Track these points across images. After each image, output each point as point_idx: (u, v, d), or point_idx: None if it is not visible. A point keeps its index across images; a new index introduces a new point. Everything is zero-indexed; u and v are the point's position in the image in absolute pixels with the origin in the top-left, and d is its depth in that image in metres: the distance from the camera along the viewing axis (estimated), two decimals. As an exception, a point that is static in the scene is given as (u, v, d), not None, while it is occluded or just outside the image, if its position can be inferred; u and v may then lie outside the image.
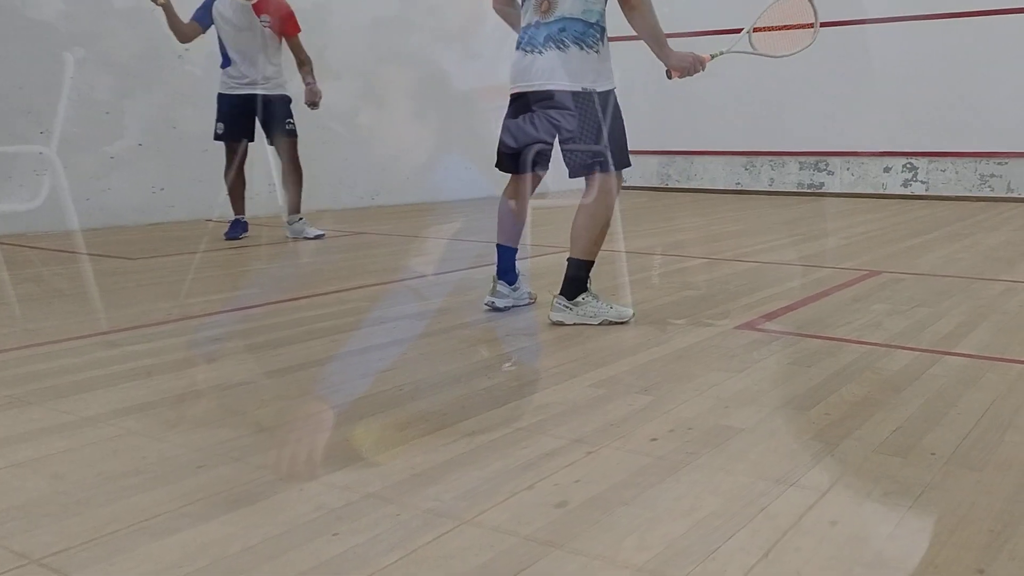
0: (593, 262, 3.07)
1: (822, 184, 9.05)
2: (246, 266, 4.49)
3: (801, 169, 9.16)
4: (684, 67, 3.00)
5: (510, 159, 3.15)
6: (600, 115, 2.94)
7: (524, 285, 3.34)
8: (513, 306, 3.27)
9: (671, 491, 1.65)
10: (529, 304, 3.32)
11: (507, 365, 2.54)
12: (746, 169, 9.47)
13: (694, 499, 1.61)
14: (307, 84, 5.25)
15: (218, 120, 5.31)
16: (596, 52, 2.94)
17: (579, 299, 3.02)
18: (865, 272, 4.15)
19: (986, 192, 8.23)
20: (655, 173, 9.97)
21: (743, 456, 1.82)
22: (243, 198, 5.44)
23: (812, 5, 3.34)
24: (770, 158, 9.30)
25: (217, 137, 5.33)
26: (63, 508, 1.57)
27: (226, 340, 2.85)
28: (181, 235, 5.59)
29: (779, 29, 3.30)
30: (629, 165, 3.05)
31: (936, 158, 8.45)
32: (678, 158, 9.86)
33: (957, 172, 8.38)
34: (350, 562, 1.38)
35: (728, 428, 1.99)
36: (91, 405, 2.16)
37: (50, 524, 1.51)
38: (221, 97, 5.30)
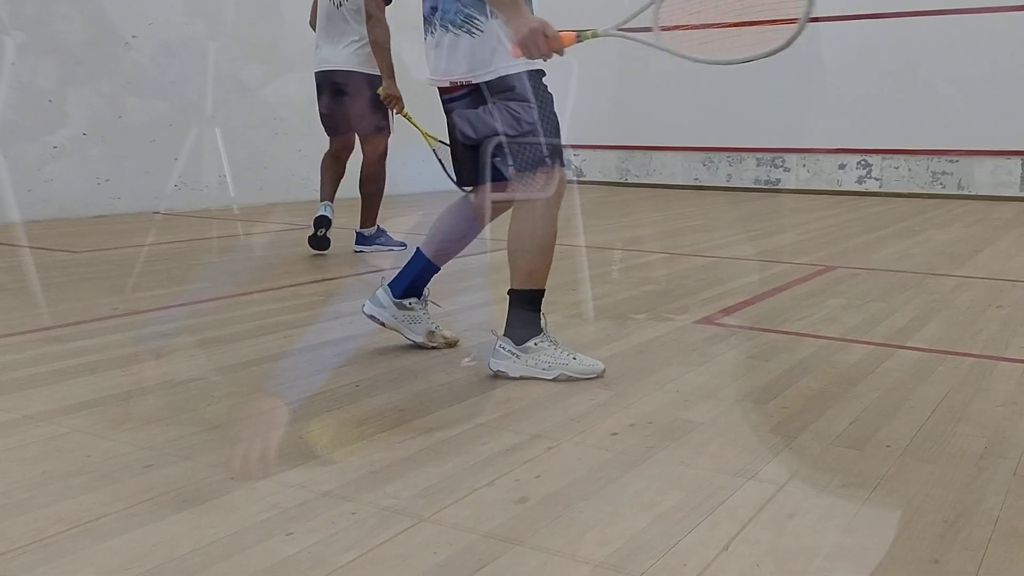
0: (543, 291, 2.35)
1: (779, 180, 9.17)
2: (196, 260, 4.39)
3: (758, 165, 9.27)
4: (521, 35, 2.09)
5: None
6: (506, 104, 2.25)
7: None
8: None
9: (632, 485, 1.64)
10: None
11: (466, 360, 2.52)
12: (704, 165, 9.55)
13: (654, 493, 1.61)
14: None
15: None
16: (481, 32, 2.22)
17: (530, 344, 2.30)
18: (821, 267, 4.20)
19: (938, 189, 8.41)
20: (614, 168, 10.01)
21: (703, 450, 1.82)
22: None
23: None
24: (728, 154, 9.40)
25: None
26: (3, 509, 1.51)
27: (175, 335, 2.78)
28: (127, 228, 5.45)
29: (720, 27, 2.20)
30: (562, 163, 2.32)
31: (890, 155, 8.61)
32: (637, 153, 9.91)
33: (910, 169, 8.55)
34: (305, 562, 1.35)
35: (688, 422, 1.99)
36: (34, 403, 2.08)
37: (-12, 527, 1.45)
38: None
